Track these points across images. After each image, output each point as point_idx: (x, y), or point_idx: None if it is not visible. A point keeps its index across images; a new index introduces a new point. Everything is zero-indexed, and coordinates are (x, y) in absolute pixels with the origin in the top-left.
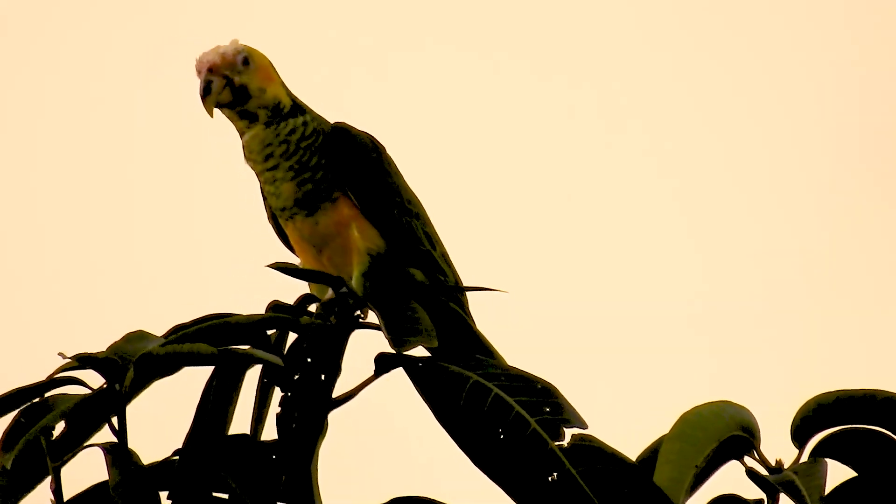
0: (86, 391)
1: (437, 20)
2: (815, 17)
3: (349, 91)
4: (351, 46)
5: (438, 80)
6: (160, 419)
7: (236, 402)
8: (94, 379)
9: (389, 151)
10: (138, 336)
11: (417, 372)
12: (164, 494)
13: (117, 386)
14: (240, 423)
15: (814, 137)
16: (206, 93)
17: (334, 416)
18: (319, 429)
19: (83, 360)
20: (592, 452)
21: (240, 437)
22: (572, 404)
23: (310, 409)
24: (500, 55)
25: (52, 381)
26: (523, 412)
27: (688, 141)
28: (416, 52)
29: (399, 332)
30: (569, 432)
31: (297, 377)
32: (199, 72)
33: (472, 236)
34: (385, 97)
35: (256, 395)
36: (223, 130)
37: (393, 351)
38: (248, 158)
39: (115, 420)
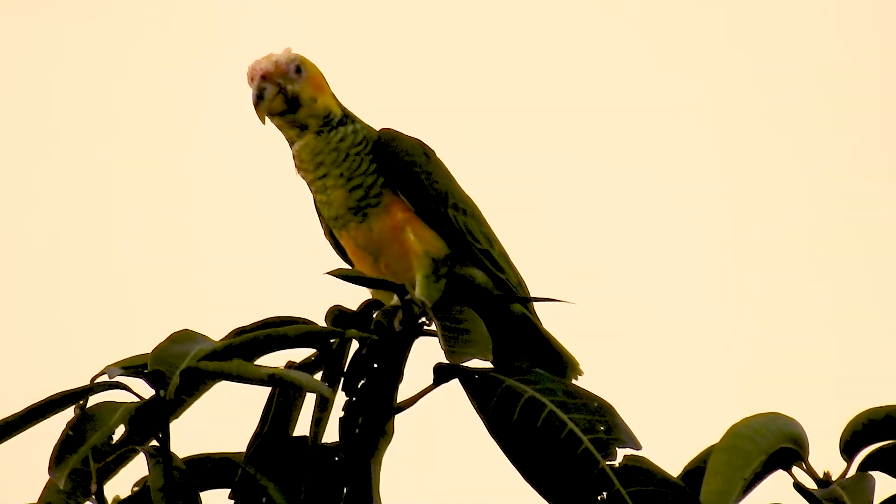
0: (129, 395)
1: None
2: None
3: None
4: (353, 47)
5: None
6: (200, 416)
7: (300, 408)
8: (137, 382)
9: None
10: (183, 336)
11: (473, 384)
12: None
13: (161, 392)
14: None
15: None
16: (258, 100)
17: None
18: (381, 434)
19: (127, 370)
20: (643, 474)
21: (301, 440)
22: (627, 424)
23: (372, 414)
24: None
25: (97, 385)
26: (576, 430)
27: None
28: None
29: (455, 344)
30: (622, 452)
31: (361, 384)
32: (251, 79)
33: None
34: (403, 105)
35: (317, 399)
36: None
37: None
38: (299, 168)
39: None
